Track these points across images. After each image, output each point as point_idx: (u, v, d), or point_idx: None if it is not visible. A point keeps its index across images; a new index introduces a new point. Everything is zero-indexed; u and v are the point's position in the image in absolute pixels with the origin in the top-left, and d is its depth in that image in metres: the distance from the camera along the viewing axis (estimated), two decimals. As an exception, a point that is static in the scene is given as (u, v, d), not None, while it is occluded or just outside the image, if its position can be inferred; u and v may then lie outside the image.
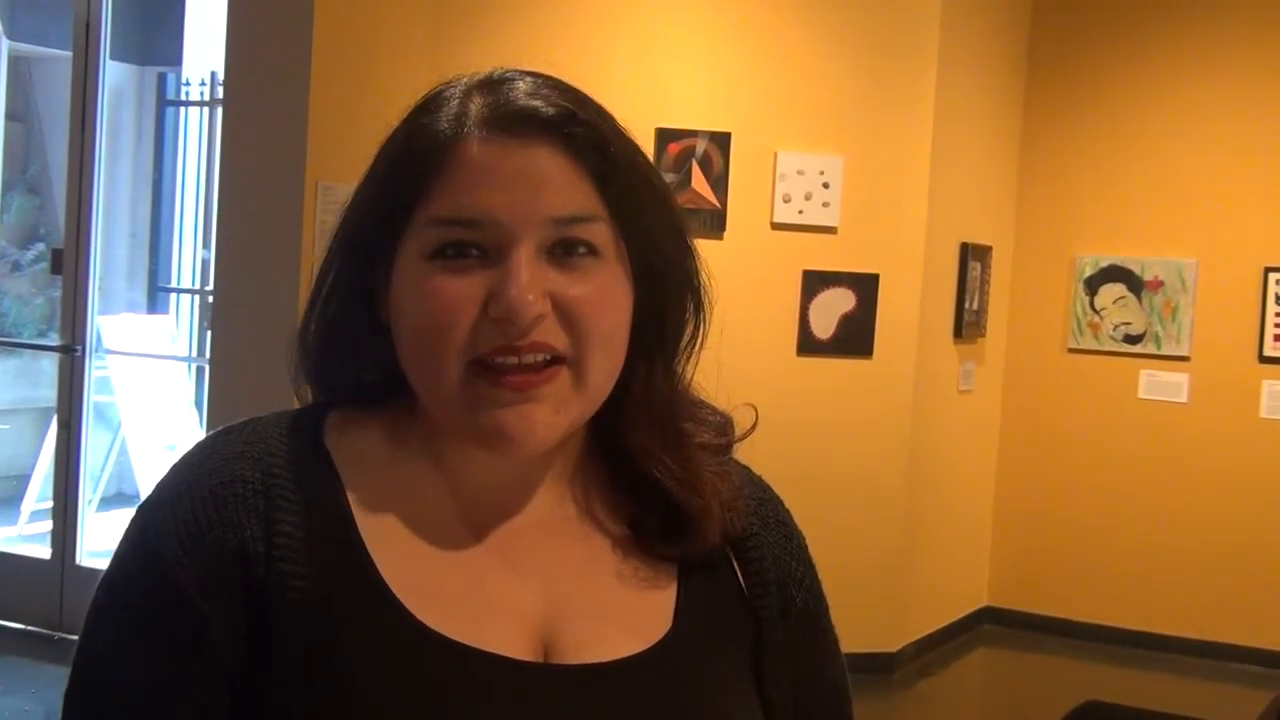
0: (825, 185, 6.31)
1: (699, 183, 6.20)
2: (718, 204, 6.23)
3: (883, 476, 6.49)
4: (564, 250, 1.06)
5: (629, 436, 1.14)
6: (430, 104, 1.09)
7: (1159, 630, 7.24)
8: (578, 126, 1.06)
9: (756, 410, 1.22)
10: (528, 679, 1.05)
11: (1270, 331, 7.08)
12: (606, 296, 1.07)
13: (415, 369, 1.08)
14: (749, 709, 1.14)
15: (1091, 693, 4.43)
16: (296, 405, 1.18)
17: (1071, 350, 7.48)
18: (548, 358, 1.05)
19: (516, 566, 1.11)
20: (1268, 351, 7.09)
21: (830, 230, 6.35)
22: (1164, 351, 7.27)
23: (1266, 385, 7.09)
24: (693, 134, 6.21)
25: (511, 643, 1.06)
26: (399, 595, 1.05)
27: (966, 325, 6.99)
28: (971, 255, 6.96)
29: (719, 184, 6.23)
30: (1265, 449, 7.09)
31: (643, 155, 1.12)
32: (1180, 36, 7.27)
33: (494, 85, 1.09)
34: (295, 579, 1.03)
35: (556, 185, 1.05)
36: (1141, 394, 7.32)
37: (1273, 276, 7.07)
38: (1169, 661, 7.09)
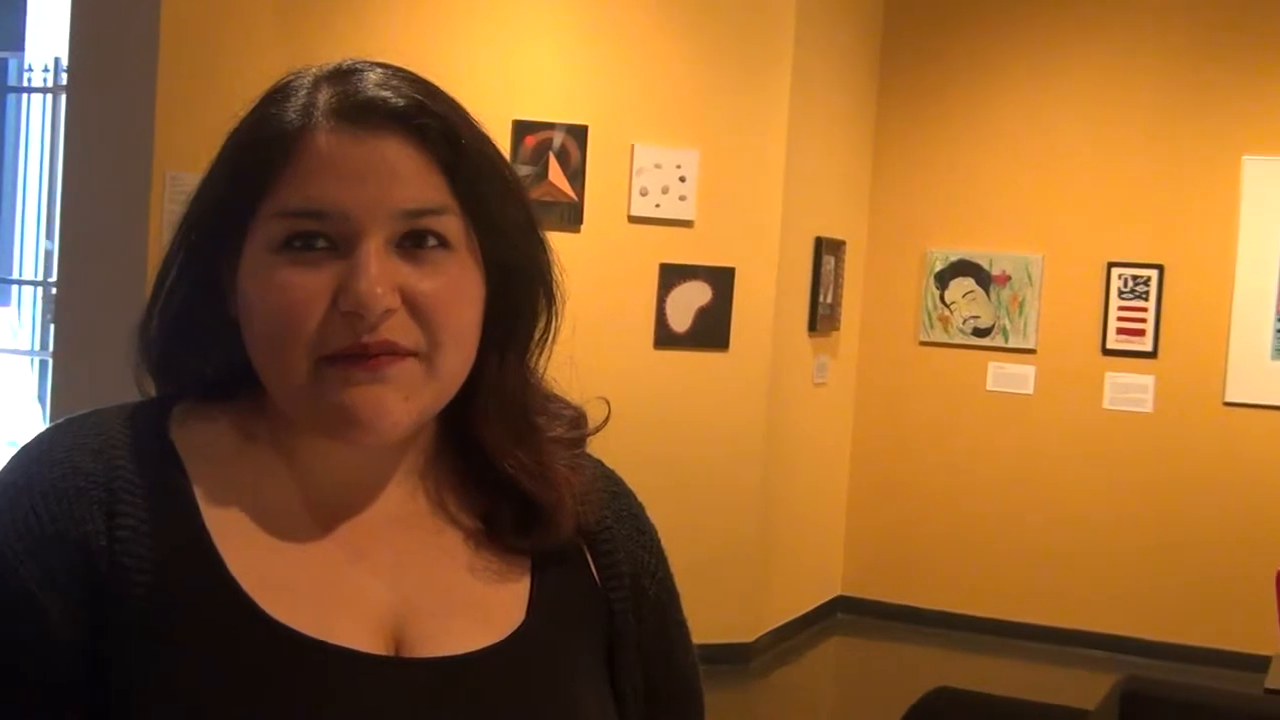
0: (682, 179, 6.34)
1: (556, 175, 6.19)
2: (575, 197, 6.23)
3: (738, 469, 6.54)
4: (414, 243, 1.05)
5: (481, 430, 1.13)
6: (278, 94, 1.07)
7: (1007, 617, 7.41)
8: (428, 118, 1.05)
9: (609, 404, 1.21)
10: (377, 673, 1.04)
11: (1113, 325, 7.28)
12: (457, 290, 1.06)
13: (263, 362, 1.06)
14: (601, 700, 1.15)
15: (941, 679, 4.50)
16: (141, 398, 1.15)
17: (923, 343, 7.61)
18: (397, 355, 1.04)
19: (367, 561, 1.09)
20: (1110, 344, 7.28)
21: (687, 224, 6.38)
22: (1011, 344, 7.44)
23: (1109, 377, 7.29)
24: (550, 126, 6.19)
25: (362, 637, 1.05)
26: (247, 589, 1.03)
27: (821, 318, 7.07)
28: (826, 249, 7.04)
29: (576, 177, 6.23)
30: (1108, 439, 7.28)
31: (494, 147, 1.11)
32: (1029, 39, 7.44)
33: (343, 75, 1.07)
34: (139, 573, 1.01)
35: (406, 177, 1.04)
36: (990, 386, 7.48)
37: (1115, 271, 7.26)
38: (1017, 647, 7.25)
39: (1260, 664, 5.17)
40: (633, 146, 6.30)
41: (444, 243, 1.05)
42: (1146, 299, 7.23)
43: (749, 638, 6.66)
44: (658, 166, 6.32)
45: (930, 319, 7.59)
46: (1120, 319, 7.27)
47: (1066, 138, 7.36)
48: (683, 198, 6.36)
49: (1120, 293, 7.27)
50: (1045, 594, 7.38)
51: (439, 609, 1.09)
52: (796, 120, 6.60)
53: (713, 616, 6.19)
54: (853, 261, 7.47)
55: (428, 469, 1.15)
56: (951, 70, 7.57)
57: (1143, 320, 7.24)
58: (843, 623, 7.64)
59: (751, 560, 6.63)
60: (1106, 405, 7.30)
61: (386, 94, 1.05)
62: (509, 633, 1.10)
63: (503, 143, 1.11)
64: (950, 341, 7.56)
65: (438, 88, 1.09)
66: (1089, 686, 4.95)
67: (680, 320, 6.40)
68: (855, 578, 7.76)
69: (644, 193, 6.32)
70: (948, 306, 7.56)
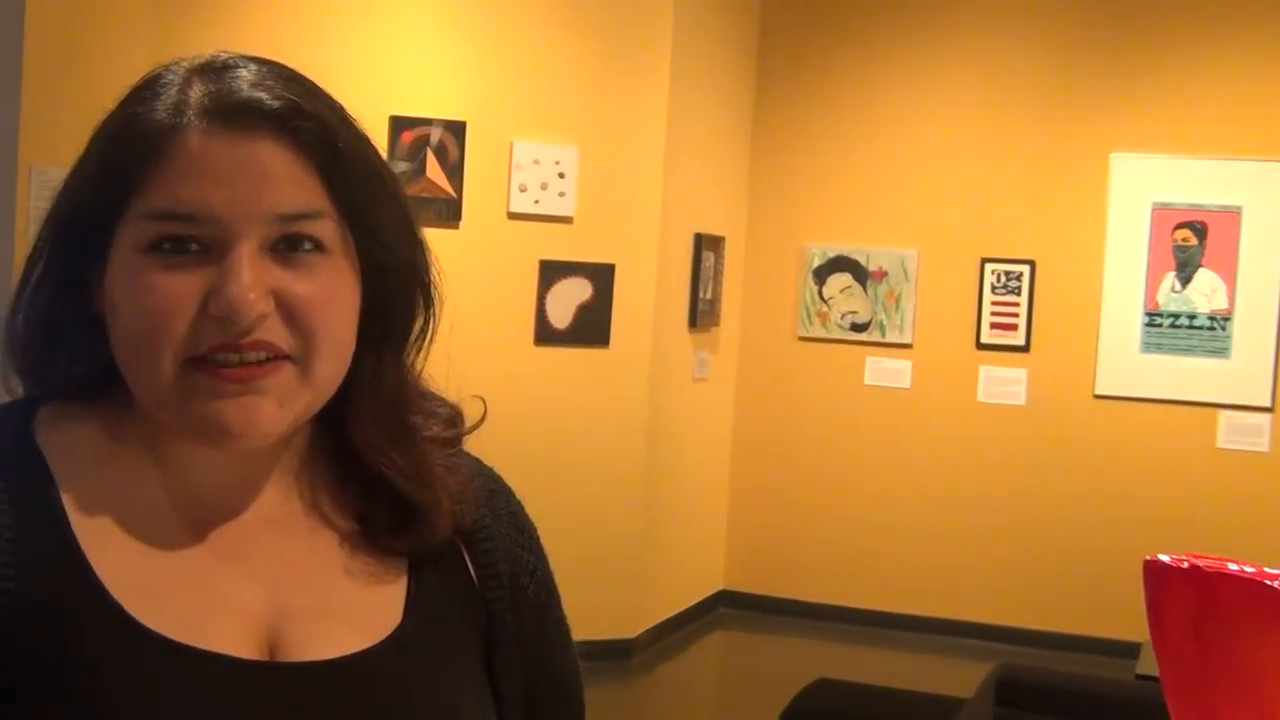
0: (561, 175, 6.33)
1: (434, 172, 6.15)
2: (453, 193, 6.19)
3: (620, 465, 6.54)
4: (288, 246, 1.03)
5: (356, 431, 1.12)
6: (147, 89, 1.05)
7: (887, 608, 7.50)
8: (303, 120, 1.03)
9: (485, 402, 1.21)
10: (251, 678, 1.03)
11: (987, 320, 7.40)
12: (332, 294, 1.04)
13: (130, 365, 1.03)
14: (480, 701, 1.14)
15: (823, 671, 4.54)
16: (6, 399, 1.12)
17: (801, 338, 7.68)
18: (270, 355, 1.02)
19: (240, 564, 1.08)
20: (984, 339, 7.40)
21: (566, 220, 6.37)
22: (888, 339, 7.53)
23: (984, 371, 7.41)
24: (427, 122, 6.15)
25: (235, 641, 1.04)
26: (116, 595, 1.01)
27: (701, 314, 7.10)
28: (705, 246, 7.08)
29: (454, 173, 6.19)
30: (983, 432, 7.40)
31: (372, 148, 1.09)
32: (905, 40, 7.53)
33: (216, 72, 1.04)
34: (3, 580, 0.99)
35: (280, 180, 1.02)
36: (867, 380, 7.56)
37: (988, 267, 7.38)
38: (897, 638, 7.34)
39: (1132, 650, 5.29)
40: (511, 143, 6.28)
41: (319, 246, 1.04)
42: (1019, 294, 7.36)
43: (631, 634, 6.67)
44: (536, 163, 6.30)
45: (809, 314, 7.66)
46: (993, 314, 7.40)
47: (941, 136, 7.47)
48: (562, 194, 6.35)
49: (993, 288, 7.39)
50: (924, 585, 7.49)
51: (314, 612, 1.08)
52: (675, 117, 6.62)
53: (595, 613, 6.19)
54: (732, 257, 7.51)
55: (302, 469, 1.13)
56: (828, 69, 7.64)
57: (1015, 315, 7.36)
58: (725, 617, 7.69)
59: (633, 556, 6.64)
60: (981, 399, 7.42)
61: (261, 94, 1.03)
62: (385, 636, 1.09)
63: (379, 138, 1.10)
64: (828, 337, 7.63)
65: (315, 86, 1.07)
66: (967, 675, 5.02)
67: (560, 317, 6.39)
68: (737, 572, 7.81)
69: (523, 189, 6.30)
70: (826, 302, 7.63)
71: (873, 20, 7.58)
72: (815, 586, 7.64)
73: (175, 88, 1.03)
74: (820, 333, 7.65)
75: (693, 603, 7.46)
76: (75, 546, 1.02)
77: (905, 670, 6.73)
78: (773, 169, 7.73)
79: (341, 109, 1.08)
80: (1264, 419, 7.08)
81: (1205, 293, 7.14)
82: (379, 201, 1.08)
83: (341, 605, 1.09)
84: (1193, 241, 7.15)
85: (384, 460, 1.12)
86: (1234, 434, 7.11)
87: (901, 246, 7.52)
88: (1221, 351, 7.12)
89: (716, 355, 7.49)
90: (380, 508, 1.13)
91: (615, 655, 6.48)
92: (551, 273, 6.36)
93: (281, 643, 1.06)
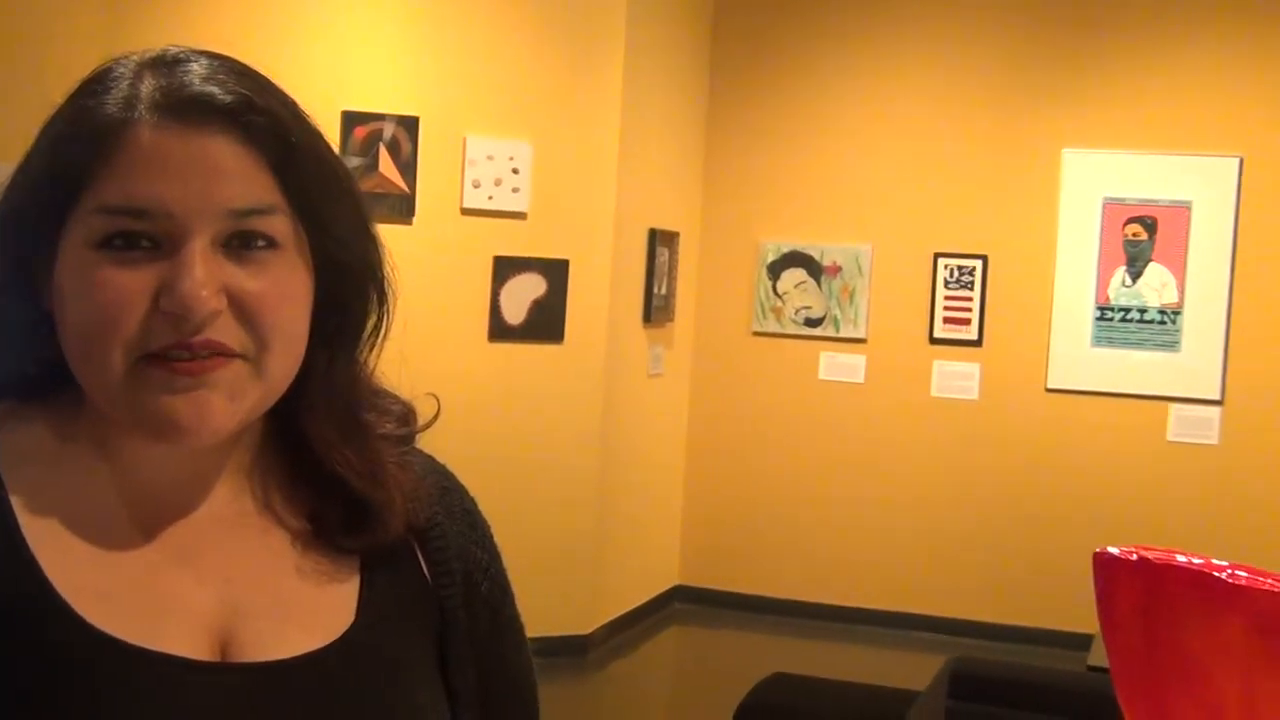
0: (515, 171, 6.32)
1: (387, 167, 6.12)
2: (406, 189, 6.17)
3: (575, 461, 6.54)
4: (241, 243, 1.02)
5: (309, 428, 1.11)
6: (98, 82, 1.04)
7: (841, 602, 7.53)
8: (256, 115, 1.02)
9: (439, 399, 1.20)
10: (201, 679, 1.02)
11: (940, 314, 7.43)
12: (285, 291, 1.04)
13: (80, 362, 1.02)
14: (433, 699, 1.14)
15: (777, 665, 4.56)
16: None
17: (756, 334, 7.70)
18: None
19: (191, 564, 1.07)
20: (938, 333, 7.44)
21: (520, 216, 6.36)
22: (842, 334, 7.56)
23: (937, 365, 7.45)
24: (380, 117, 6.12)
25: (186, 642, 1.03)
26: (66, 596, 1.01)
27: (655, 310, 7.10)
28: (660, 241, 7.08)
29: (407, 168, 6.17)
30: (936, 426, 7.44)
31: (325, 143, 1.08)
32: (859, 36, 7.56)
33: (167, 66, 1.03)
34: None
35: (233, 176, 1.01)
36: (822, 375, 7.59)
37: (942, 262, 7.42)
38: (852, 632, 7.38)
39: (1084, 642, 5.34)
40: (465, 138, 6.26)
41: (272, 243, 1.03)
42: (972, 289, 7.40)
43: (586, 629, 6.67)
44: (490, 158, 6.29)
45: (763, 310, 7.68)
46: (947, 309, 7.44)
47: (895, 132, 7.50)
48: (516, 190, 6.34)
49: (946, 283, 7.43)
50: (878, 579, 7.52)
51: (266, 612, 1.07)
52: (629, 112, 6.62)
53: (550, 609, 6.19)
54: (686, 253, 7.51)
55: (254, 467, 1.12)
56: (782, 64, 7.66)
57: (968, 310, 7.41)
58: (680, 612, 7.70)
59: (588, 552, 6.64)
60: (934, 393, 7.46)
61: (213, 89, 1.02)
62: (337, 635, 1.09)
63: (332, 134, 1.09)
64: (783, 332, 7.65)
65: (268, 81, 1.06)
66: (921, 668, 5.05)
67: (515, 313, 6.38)
68: (692, 567, 7.82)
69: (477, 185, 6.28)
70: (780, 297, 7.65)
71: (826, 17, 7.60)
72: (770, 581, 7.67)
73: (126, 82, 1.02)
74: (774, 328, 7.67)
75: (648, 598, 7.47)
76: (25, 548, 1.02)
77: (860, 664, 6.76)
78: (727, 164, 7.74)
79: (294, 104, 1.07)
80: (1213, 412, 7.15)
81: (1155, 287, 7.20)
82: (332, 197, 1.07)
83: (293, 605, 1.09)
84: (1143, 236, 7.21)
85: (337, 458, 1.11)
86: (1184, 427, 7.18)
87: (855, 242, 7.55)
88: (1172, 345, 7.19)
89: (671, 350, 7.49)
90: (333, 506, 1.12)
91: (571, 651, 6.48)
92: (505, 268, 6.35)
93: (233, 643, 1.05)
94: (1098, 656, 4.35)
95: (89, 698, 0.98)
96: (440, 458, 1.23)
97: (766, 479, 7.70)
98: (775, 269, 7.66)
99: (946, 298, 7.43)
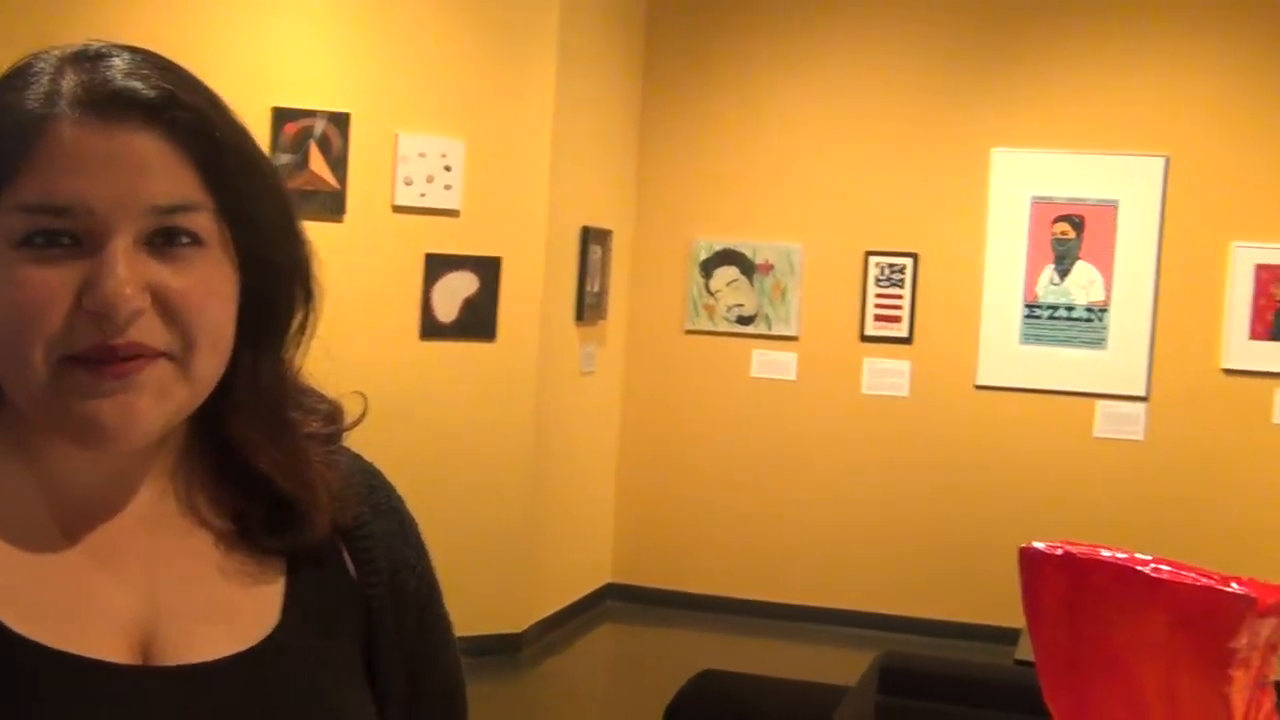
0: (447, 168, 6.29)
1: (317, 164, 6.08)
2: (337, 186, 6.13)
3: (507, 459, 6.52)
4: (165, 240, 1.00)
5: (234, 428, 1.10)
6: (17, 77, 1.02)
7: (773, 599, 7.56)
8: (180, 110, 1.01)
9: (366, 397, 1.19)
10: (123, 682, 1.01)
11: (871, 312, 7.48)
12: (210, 288, 1.02)
13: (1, 362, 1.01)
14: (360, 700, 1.13)
15: (710, 662, 4.56)
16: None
17: (688, 331, 7.71)
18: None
19: (114, 566, 1.06)
20: (868, 331, 7.49)
21: (452, 213, 6.33)
22: (774, 332, 7.58)
23: (867, 363, 7.49)
24: (311, 114, 6.07)
25: (108, 646, 1.02)
26: None
27: (588, 308, 7.10)
28: (592, 239, 7.08)
29: (338, 165, 6.13)
30: (867, 423, 7.49)
31: (251, 140, 1.07)
32: (791, 36, 7.58)
33: (89, 61, 1.02)
34: None
35: (156, 172, 1.00)
36: (754, 373, 7.62)
37: (872, 260, 7.46)
38: (783, 628, 7.41)
39: (1012, 636, 5.39)
40: (396, 135, 6.23)
41: (196, 240, 1.02)
42: (902, 287, 7.45)
43: (518, 628, 6.66)
44: (422, 155, 6.26)
45: (696, 307, 7.69)
46: (877, 306, 7.48)
47: (826, 131, 7.54)
48: (448, 187, 6.31)
49: (877, 281, 7.48)
50: (809, 575, 7.56)
51: (189, 615, 1.06)
52: (562, 110, 6.61)
53: (482, 607, 6.17)
54: (619, 251, 7.51)
55: (177, 468, 1.11)
56: (715, 62, 7.68)
57: (898, 308, 7.46)
58: (612, 610, 7.70)
59: (520, 549, 6.63)
60: (865, 390, 7.50)
61: (136, 84, 1.00)
62: (262, 637, 1.08)
63: (262, 130, 1.08)
64: (715, 329, 7.67)
65: (192, 76, 1.05)
66: (851, 664, 5.07)
67: (446, 311, 6.36)
68: (625, 564, 7.83)
69: (408, 182, 6.25)
70: (712, 295, 7.67)
71: (759, 16, 7.62)
72: (702, 578, 7.68)
73: (47, 77, 1.01)
74: (707, 325, 7.69)
75: (580, 596, 7.47)
76: None
77: (791, 660, 6.79)
78: (660, 162, 7.75)
79: (219, 100, 1.06)
80: (1139, 408, 7.24)
81: (1083, 285, 7.28)
82: (258, 194, 1.06)
83: (217, 606, 1.08)
84: (1071, 234, 7.29)
85: (262, 458, 1.10)
86: (1110, 423, 7.27)
87: (787, 240, 7.58)
88: (1098, 342, 7.27)
89: (603, 348, 7.49)
90: (258, 506, 1.11)
91: (503, 649, 6.47)
92: (437, 266, 6.32)
93: (156, 646, 1.04)
94: (1025, 650, 4.39)
95: (8, 702, 0.97)
96: (371, 456, 1.22)
97: (699, 477, 7.72)
98: (707, 267, 7.67)
99: (877, 295, 7.48)
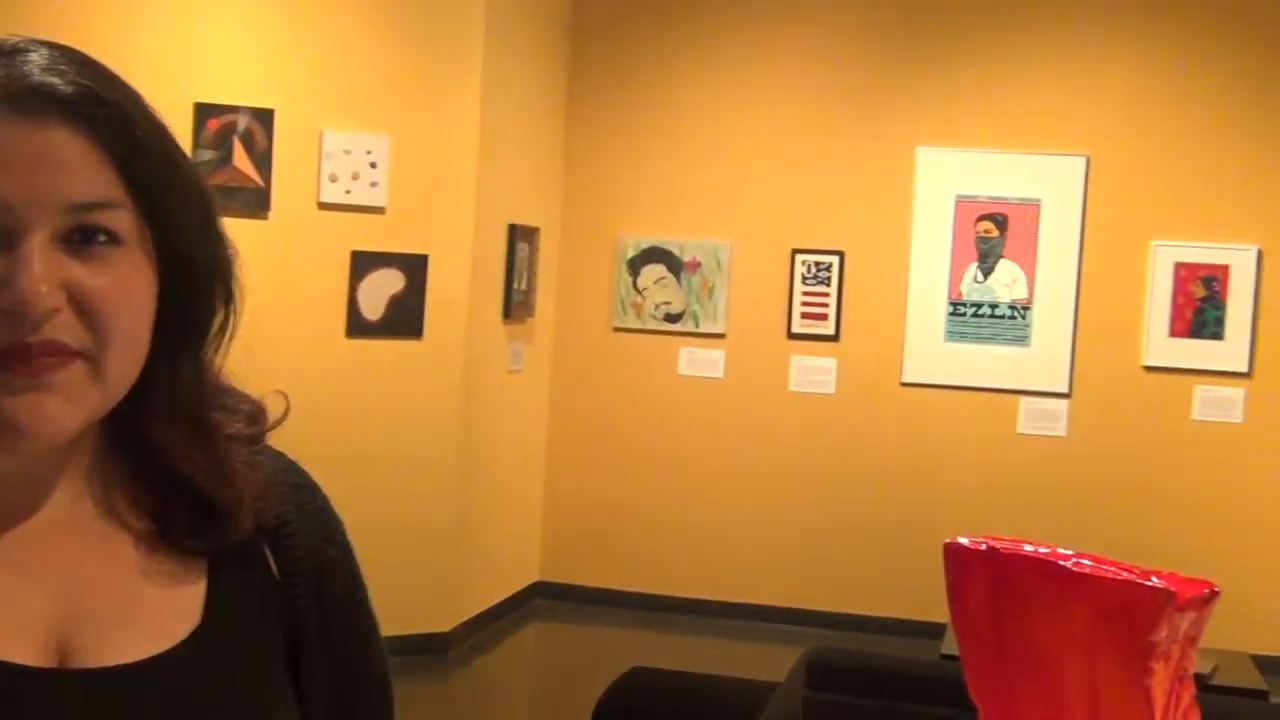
0: (373, 165, 6.25)
1: (241, 160, 6.02)
2: (261, 182, 6.07)
3: (434, 458, 6.50)
4: (82, 238, 0.99)
5: (153, 430, 1.08)
6: None
7: (702, 596, 7.58)
8: (99, 106, 0.99)
9: (288, 397, 1.18)
10: (39, 686, 1.00)
11: (798, 310, 7.52)
12: (128, 288, 1.01)
13: None
14: (283, 701, 1.12)
15: (638, 659, 4.57)
16: None
17: (616, 329, 7.71)
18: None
19: (28, 570, 1.04)
20: (796, 329, 7.52)
21: (378, 211, 6.30)
22: (702, 329, 7.60)
23: (795, 360, 7.53)
24: (234, 110, 6.02)
25: (23, 649, 1.00)
26: None
27: (515, 306, 7.08)
28: (519, 236, 7.06)
29: (262, 162, 6.07)
30: (794, 420, 7.52)
31: (171, 138, 1.06)
32: (718, 33, 7.60)
33: (5, 56, 1.00)
34: None
35: (74, 169, 0.98)
36: (681, 370, 7.63)
37: (799, 258, 7.50)
38: (713, 625, 7.42)
39: (938, 631, 5.44)
40: (321, 131, 6.18)
41: (115, 239, 1.00)
42: (829, 285, 7.49)
43: (447, 627, 6.63)
44: (347, 152, 6.22)
45: (623, 305, 7.70)
46: (804, 304, 7.52)
47: (753, 129, 7.56)
48: (374, 184, 6.27)
49: (804, 278, 7.51)
50: (738, 571, 7.59)
51: (108, 617, 1.05)
52: (489, 106, 6.58)
53: (410, 607, 6.14)
54: (546, 249, 7.50)
55: (94, 469, 1.09)
56: (642, 59, 7.68)
57: (825, 305, 7.50)
58: (541, 608, 7.69)
59: (448, 549, 6.60)
60: (792, 387, 7.54)
61: (54, 79, 0.99)
62: (182, 638, 1.07)
63: (183, 126, 1.07)
64: (643, 327, 7.68)
65: (111, 72, 1.04)
66: (779, 660, 5.10)
67: (373, 309, 6.32)
68: (553, 563, 7.82)
69: (334, 179, 6.21)
70: (640, 293, 7.67)
71: (685, 16, 7.63)
72: (631, 576, 7.69)
73: None
74: (634, 323, 7.69)
75: (508, 594, 7.45)
76: None
77: (720, 656, 6.81)
78: (587, 160, 7.74)
79: (139, 96, 1.04)
80: (1061, 405, 7.33)
81: (1006, 283, 7.35)
82: (178, 193, 1.05)
83: (137, 608, 1.07)
84: (994, 233, 7.36)
85: (182, 460, 1.09)
86: (1033, 419, 7.35)
87: (714, 238, 7.60)
88: (1022, 340, 7.35)
89: (531, 346, 7.48)
90: (178, 506, 1.10)
91: (431, 649, 6.44)
92: (363, 264, 6.28)
93: (73, 649, 1.03)
94: (951, 645, 4.43)
95: None
96: (297, 456, 1.21)
97: (627, 474, 7.72)
98: (635, 265, 7.68)
99: (804, 293, 7.52)
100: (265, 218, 6.04)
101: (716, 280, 7.59)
